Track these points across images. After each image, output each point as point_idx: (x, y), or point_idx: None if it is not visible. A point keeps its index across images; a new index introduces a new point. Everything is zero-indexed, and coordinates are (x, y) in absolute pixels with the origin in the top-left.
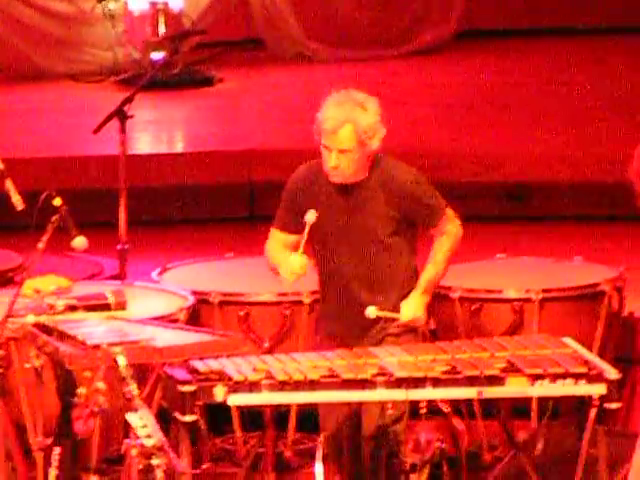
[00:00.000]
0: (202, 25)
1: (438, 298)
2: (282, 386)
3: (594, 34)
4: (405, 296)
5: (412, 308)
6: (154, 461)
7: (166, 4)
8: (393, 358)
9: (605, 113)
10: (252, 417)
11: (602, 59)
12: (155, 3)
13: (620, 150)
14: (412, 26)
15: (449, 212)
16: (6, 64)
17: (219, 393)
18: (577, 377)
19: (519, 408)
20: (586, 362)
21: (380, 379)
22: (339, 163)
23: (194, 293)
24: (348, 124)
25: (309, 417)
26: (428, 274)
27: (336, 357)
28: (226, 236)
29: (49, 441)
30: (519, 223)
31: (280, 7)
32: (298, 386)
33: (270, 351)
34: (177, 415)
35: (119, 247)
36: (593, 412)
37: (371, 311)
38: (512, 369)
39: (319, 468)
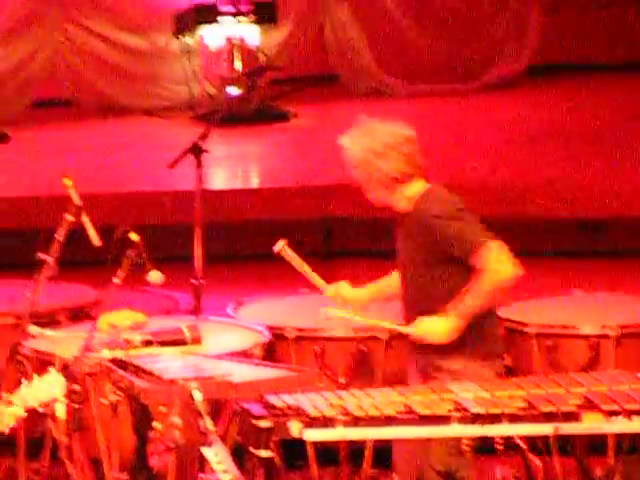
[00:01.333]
0: (278, 61)
1: (514, 333)
2: (357, 422)
3: None
4: None
5: (426, 324)
6: None
7: (242, 40)
8: (469, 394)
9: None
10: (327, 452)
11: None
12: (231, 39)
13: None
14: (486, 60)
15: (492, 248)
16: (81, 99)
17: (294, 428)
18: None
19: (595, 444)
20: None
21: (456, 415)
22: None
23: (269, 328)
24: (354, 144)
25: (384, 453)
26: (459, 300)
27: (411, 392)
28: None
29: (125, 476)
30: (594, 258)
31: (355, 42)
32: (374, 422)
33: (345, 387)
34: (252, 450)
35: (194, 282)
36: None
37: (328, 311)
38: (588, 405)
39: None
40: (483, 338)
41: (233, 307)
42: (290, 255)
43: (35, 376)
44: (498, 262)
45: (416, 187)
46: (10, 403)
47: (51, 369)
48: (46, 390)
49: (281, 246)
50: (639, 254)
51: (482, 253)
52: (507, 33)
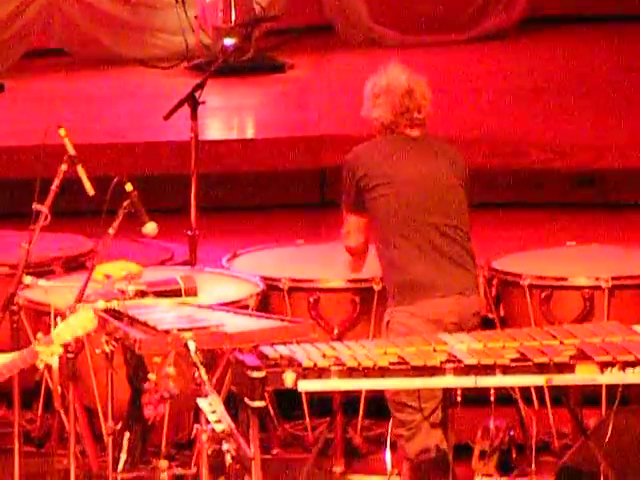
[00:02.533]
0: (273, 11)
1: (507, 285)
2: (351, 372)
3: None
4: None
5: None
6: (224, 446)
7: None
8: (462, 345)
9: None
10: (321, 403)
11: None
12: None
13: None
14: (479, 12)
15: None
16: (76, 48)
17: (289, 379)
18: None
19: (588, 396)
20: None
21: (449, 366)
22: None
23: (264, 279)
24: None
25: (378, 403)
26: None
27: (405, 344)
28: (297, 222)
29: (119, 426)
30: (591, 210)
31: None
32: (367, 373)
33: (339, 338)
34: (246, 401)
35: (189, 233)
36: None
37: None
38: (582, 357)
39: (388, 454)
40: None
41: (228, 258)
42: None
43: (68, 313)
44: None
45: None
46: (47, 342)
47: (82, 305)
48: (80, 325)
49: None
50: (633, 206)
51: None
52: None
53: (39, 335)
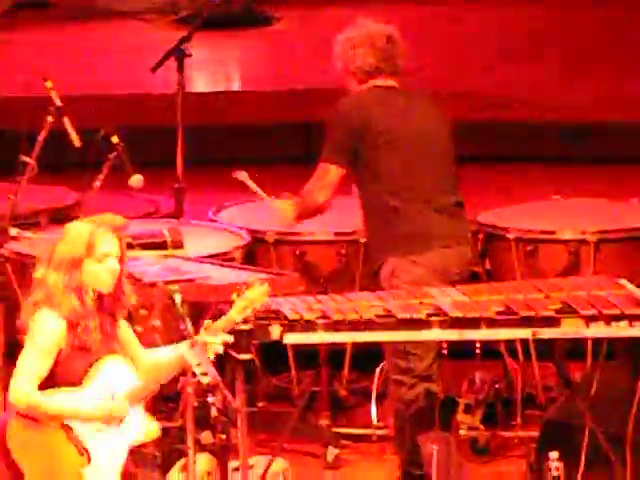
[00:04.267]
0: None
1: (493, 239)
2: (337, 325)
3: None
4: None
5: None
6: (209, 399)
7: None
8: (448, 298)
9: None
10: (307, 356)
11: None
12: None
13: None
14: None
15: (321, 168)
16: (61, 1)
17: (275, 332)
18: (632, 319)
19: (574, 349)
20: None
21: (435, 319)
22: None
23: (250, 232)
24: (339, 37)
25: (364, 356)
26: None
27: (391, 297)
28: (283, 175)
29: None
30: (577, 164)
31: None
32: (353, 326)
33: (325, 291)
34: (233, 353)
35: (176, 186)
36: None
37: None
38: (567, 310)
39: (374, 407)
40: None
41: (214, 211)
42: (249, 183)
43: (244, 290)
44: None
45: (387, 84)
46: (214, 331)
47: (256, 284)
48: (255, 299)
49: (243, 176)
50: (619, 161)
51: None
52: None
53: (206, 323)
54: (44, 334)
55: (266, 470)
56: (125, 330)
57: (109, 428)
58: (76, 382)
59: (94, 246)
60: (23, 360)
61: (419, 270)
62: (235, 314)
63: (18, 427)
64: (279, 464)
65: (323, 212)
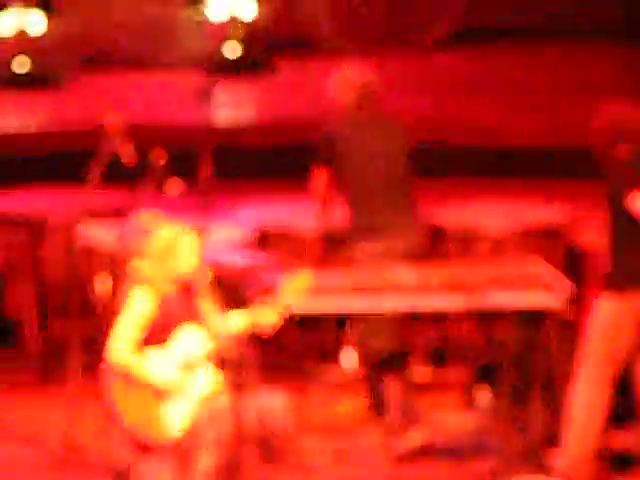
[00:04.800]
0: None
1: (435, 233)
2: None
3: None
4: None
5: None
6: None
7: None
8: (402, 272)
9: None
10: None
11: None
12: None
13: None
14: (423, 26)
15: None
16: (124, 54)
17: None
18: (544, 289)
19: (499, 313)
20: (550, 279)
21: (392, 290)
22: None
23: (259, 227)
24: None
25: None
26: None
27: (358, 272)
28: (281, 187)
29: None
30: (504, 177)
31: (320, 14)
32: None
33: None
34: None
35: (204, 191)
36: (553, 317)
37: None
38: (494, 286)
39: (348, 356)
40: None
41: (235, 210)
42: None
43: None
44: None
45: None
46: (273, 305)
47: (301, 271)
48: (300, 282)
49: None
50: (535, 176)
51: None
52: (438, 6)
53: (265, 299)
54: (138, 308)
55: (269, 403)
56: (202, 303)
57: (185, 381)
58: (162, 343)
59: (178, 244)
60: (120, 327)
61: (377, 249)
62: (287, 295)
63: (115, 378)
64: (280, 398)
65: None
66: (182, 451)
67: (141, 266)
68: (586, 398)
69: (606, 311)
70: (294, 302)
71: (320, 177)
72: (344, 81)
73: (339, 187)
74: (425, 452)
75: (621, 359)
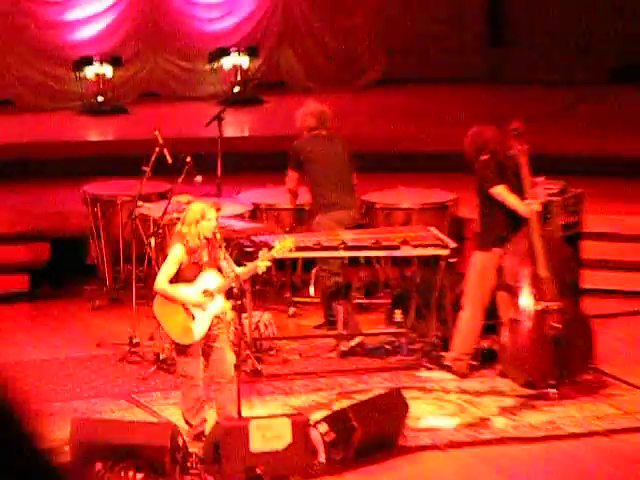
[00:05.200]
0: (259, 75)
1: (368, 208)
2: (298, 249)
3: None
4: None
5: None
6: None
7: (241, 66)
8: (346, 235)
9: None
10: (278, 263)
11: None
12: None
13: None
14: (356, 73)
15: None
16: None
17: (265, 252)
18: (436, 246)
19: (407, 260)
20: (440, 239)
21: (341, 246)
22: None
23: (253, 204)
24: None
25: (308, 263)
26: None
27: (316, 234)
28: (268, 180)
29: None
30: (409, 172)
31: (294, 65)
32: (302, 250)
33: (290, 232)
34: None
35: (217, 181)
36: (443, 263)
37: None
38: (405, 242)
39: (312, 288)
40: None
41: (236, 193)
42: None
43: (275, 241)
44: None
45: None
46: (267, 257)
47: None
48: (284, 249)
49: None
50: (431, 171)
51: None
52: (368, 59)
53: (261, 254)
54: (175, 255)
55: (259, 318)
56: (220, 255)
57: (205, 305)
58: (190, 281)
59: (205, 214)
60: (163, 267)
61: (328, 222)
62: (274, 252)
63: (158, 299)
64: (267, 315)
65: (294, 193)
66: (204, 348)
67: (178, 229)
68: (468, 316)
69: (479, 261)
70: (278, 254)
71: (292, 176)
72: (308, 111)
73: (306, 179)
74: (360, 351)
75: (490, 292)
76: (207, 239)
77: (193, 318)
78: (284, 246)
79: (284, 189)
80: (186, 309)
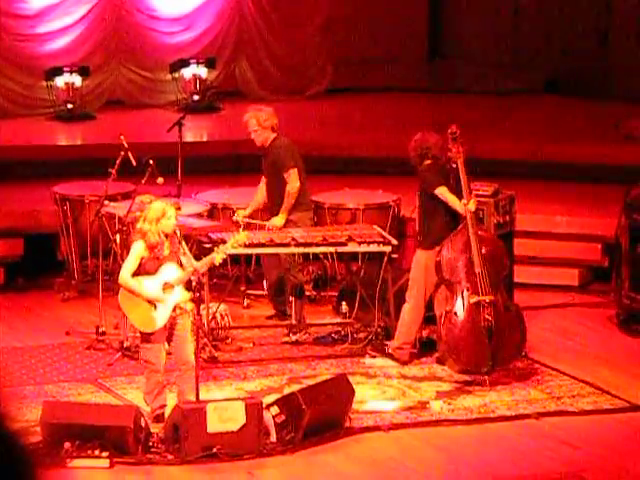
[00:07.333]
0: (216, 83)
1: (317, 207)
2: (252, 245)
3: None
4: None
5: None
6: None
7: (200, 75)
8: (298, 233)
9: None
10: (233, 258)
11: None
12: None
13: None
14: (307, 83)
15: (292, 173)
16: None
17: (221, 250)
18: (379, 243)
19: (353, 255)
20: (383, 236)
21: (292, 242)
22: (254, 137)
23: (211, 204)
24: (250, 115)
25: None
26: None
27: (273, 232)
28: (223, 183)
29: None
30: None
31: (247, 74)
32: (258, 245)
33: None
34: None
35: (177, 183)
36: (385, 258)
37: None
38: (351, 239)
39: (265, 281)
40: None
41: (195, 194)
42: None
43: (230, 236)
44: (292, 181)
45: (273, 135)
46: (223, 251)
47: (241, 231)
48: (238, 242)
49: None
50: (376, 174)
51: (288, 176)
52: (317, 70)
53: (217, 248)
54: (136, 250)
55: (216, 309)
56: (180, 250)
57: (165, 296)
58: (151, 274)
59: (166, 213)
60: (125, 262)
61: (305, 219)
62: (229, 245)
63: (122, 291)
64: (223, 306)
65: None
66: (167, 336)
67: (139, 226)
68: (410, 308)
69: (422, 259)
70: (233, 247)
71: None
72: (268, 113)
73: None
74: (309, 340)
75: (431, 287)
76: (167, 235)
77: (155, 308)
78: (238, 240)
79: (294, 188)
80: (147, 300)
